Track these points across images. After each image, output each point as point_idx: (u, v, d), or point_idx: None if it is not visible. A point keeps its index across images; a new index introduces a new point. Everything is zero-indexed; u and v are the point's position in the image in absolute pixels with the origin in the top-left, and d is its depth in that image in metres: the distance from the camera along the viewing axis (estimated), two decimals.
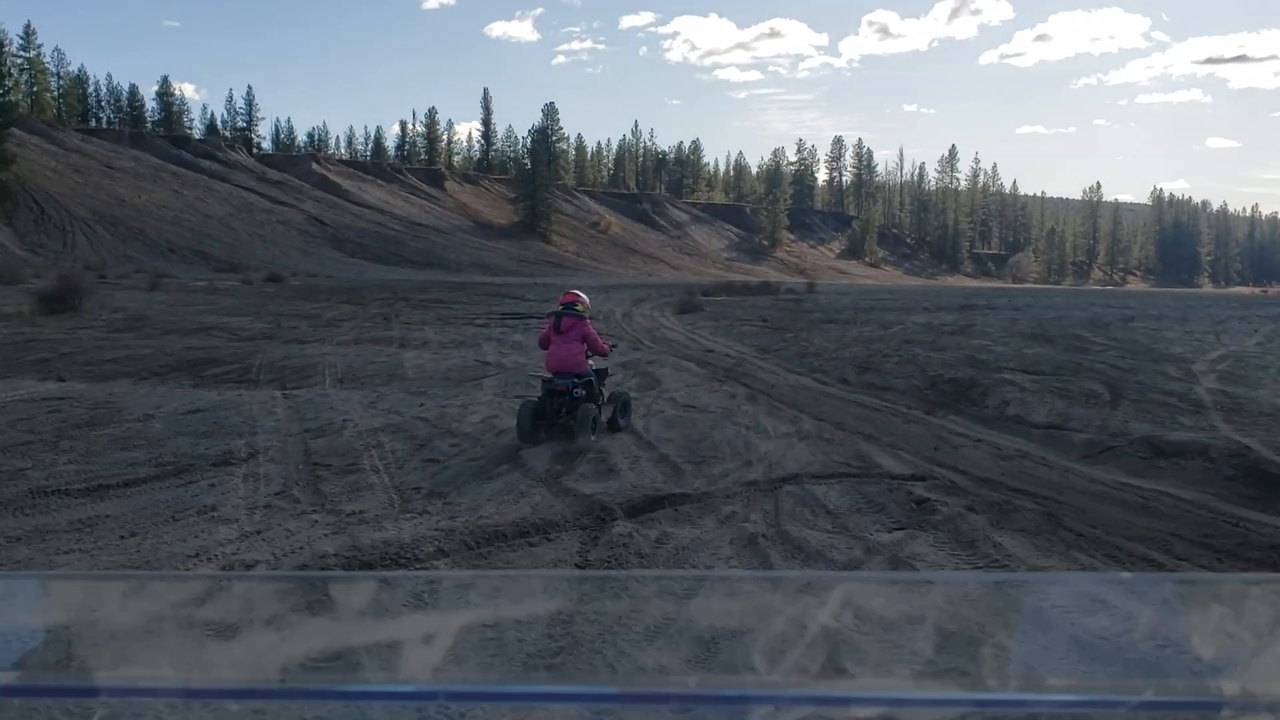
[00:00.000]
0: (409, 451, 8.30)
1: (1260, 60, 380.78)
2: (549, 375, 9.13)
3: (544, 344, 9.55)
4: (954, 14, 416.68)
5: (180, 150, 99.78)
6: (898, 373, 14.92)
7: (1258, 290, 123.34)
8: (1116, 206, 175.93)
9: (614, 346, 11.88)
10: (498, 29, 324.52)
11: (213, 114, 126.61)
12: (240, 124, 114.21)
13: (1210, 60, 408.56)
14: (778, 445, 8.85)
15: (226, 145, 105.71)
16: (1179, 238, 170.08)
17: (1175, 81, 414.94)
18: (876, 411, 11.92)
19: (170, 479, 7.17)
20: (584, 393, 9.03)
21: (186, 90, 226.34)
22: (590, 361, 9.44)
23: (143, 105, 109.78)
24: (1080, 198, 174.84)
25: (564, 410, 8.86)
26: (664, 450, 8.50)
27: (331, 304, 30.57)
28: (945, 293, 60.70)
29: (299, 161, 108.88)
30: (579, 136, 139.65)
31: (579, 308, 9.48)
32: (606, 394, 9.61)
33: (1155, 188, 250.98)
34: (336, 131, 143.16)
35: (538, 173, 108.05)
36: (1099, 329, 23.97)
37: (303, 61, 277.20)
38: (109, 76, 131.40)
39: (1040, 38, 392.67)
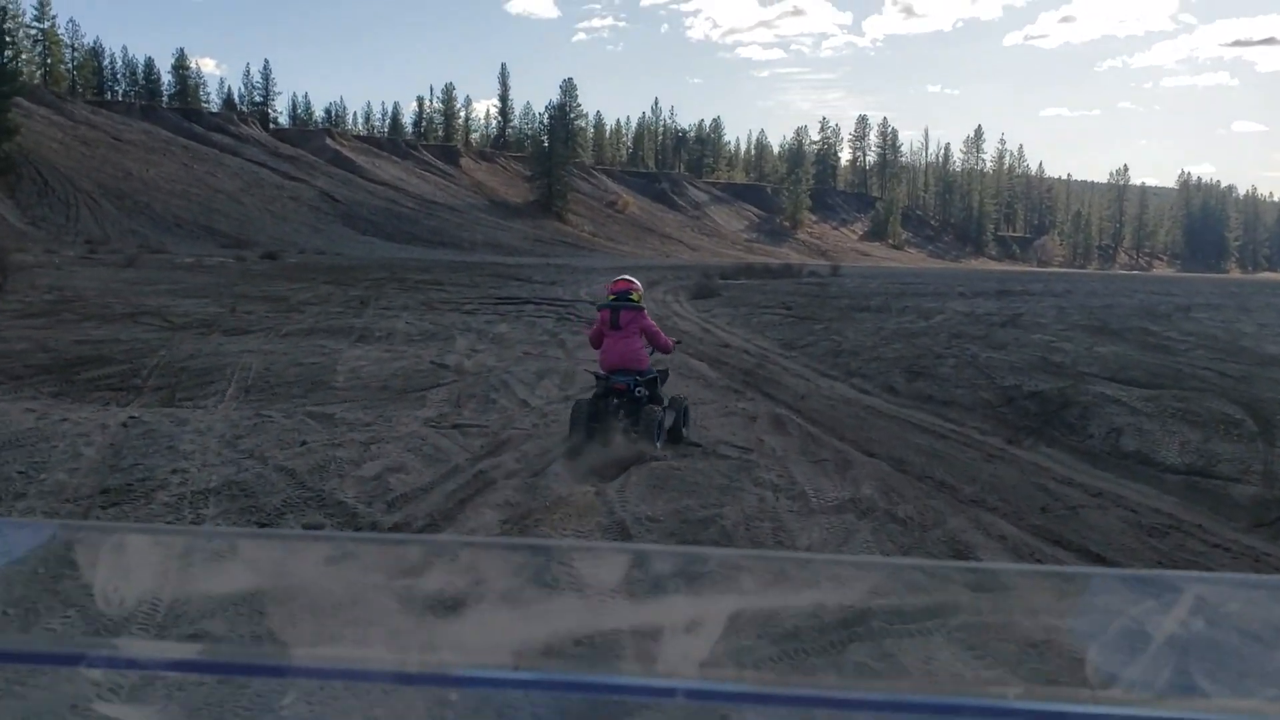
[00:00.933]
0: None
1: None
2: (603, 373, 8.03)
3: (595, 342, 8.33)
4: None
5: (192, 124, 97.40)
6: (957, 379, 12.07)
7: None
8: (1143, 190, 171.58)
9: (678, 342, 9.74)
10: (518, 5, 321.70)
11: (230, 88, 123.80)
12: (257, 99, 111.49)
13: (1237, 43, 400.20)
14: (826, 532, 5.50)
15: (240, 119, 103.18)
16: (1206, 222, 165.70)
17: (1202, 64, 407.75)
18: (943, 439, 9.08)
19: None
20: (646, 393, 7.95)
21: (206, 65, 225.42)
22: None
23: (158, 79, 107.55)
24: (1106, 180, 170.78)
25: (623, 412, 7.76)
26: (642, 545, 5.33)
27: (313, 285, 27.68)
28: (974, 276, 57.01)
29: (313, 137, 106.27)
30: (598, 114, 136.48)
31: (634, 297, 8.31)
32: (666, 399, 8.35)
33: (1181, 171, 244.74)
34: (354, 108, 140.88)
35: (555, 150, 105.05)
36: (1160, 320, 20.76)
37: (323, 37, 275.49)
38: (124, 49, 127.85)
39: (1065, 19, 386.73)
